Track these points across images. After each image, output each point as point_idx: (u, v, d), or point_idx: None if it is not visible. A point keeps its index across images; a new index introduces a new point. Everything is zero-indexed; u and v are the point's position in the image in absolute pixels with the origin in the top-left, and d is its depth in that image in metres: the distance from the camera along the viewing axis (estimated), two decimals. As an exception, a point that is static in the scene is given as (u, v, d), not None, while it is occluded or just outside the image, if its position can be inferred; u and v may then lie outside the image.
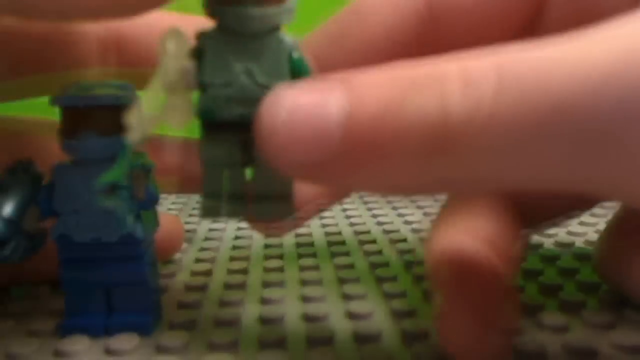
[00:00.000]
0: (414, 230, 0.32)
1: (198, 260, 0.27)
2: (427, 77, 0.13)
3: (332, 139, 0.14)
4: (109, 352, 0.18)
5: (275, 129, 0.14)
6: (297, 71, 0.17)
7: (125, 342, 0.19)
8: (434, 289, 0.18)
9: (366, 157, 0.14)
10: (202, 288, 0.24)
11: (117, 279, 0.19)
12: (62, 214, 0.18)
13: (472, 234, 0.18)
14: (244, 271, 0.26)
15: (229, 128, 0.17)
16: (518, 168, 0.13)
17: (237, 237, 0.31)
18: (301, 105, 0.14)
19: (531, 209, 0.22)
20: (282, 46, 0.17)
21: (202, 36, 0.17)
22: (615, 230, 0.22)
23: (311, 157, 0.14)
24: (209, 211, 0.18)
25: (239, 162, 0.18)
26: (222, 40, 0.16)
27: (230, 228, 0.33)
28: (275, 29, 0.17)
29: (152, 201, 0.20)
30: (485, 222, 0.19)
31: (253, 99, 0.16)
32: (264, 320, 0.21)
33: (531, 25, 0.19)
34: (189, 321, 0.20)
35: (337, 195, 0.21)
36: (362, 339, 0.19)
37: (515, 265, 0.19)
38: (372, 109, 0.13)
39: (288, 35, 0.17)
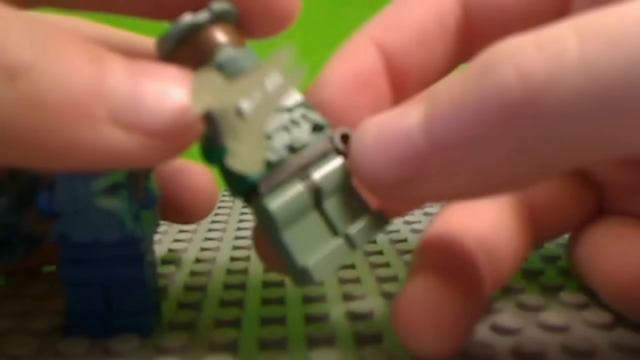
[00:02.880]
0: (414, 231, 0.32)
1: (198, 260, 0.27)
2: (499, 54, 0.13)
3: (416, 145, 0.14)
4: (109, 352, 0.18)
5: (366, 150, 0.15)
6: None
7: (125, 342, 0.19)
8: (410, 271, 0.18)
9: (452, 147, 0.14)
10: (202, 288, 0.24)
11: (117, 279, 0.19)
12: (62, 214, 0.18)
13: (465, 231, 0.19)
14: (244, 271, 0.26)
15: (284, 173, 0.16)
16: (613, 124, 0.12)
17: (237, 238, 0.31)
18: (385, 128, 0.15)
19: (547, 226, 0.22)
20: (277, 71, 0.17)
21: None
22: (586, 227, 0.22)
23: (402, 170, 0.14)
24: (319, 270, 0.16)
25: (313, 204, 0.17)
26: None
27: (230, 228, 0.33)
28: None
29: (152, 201, 0.20)
30: (487, 227, 0.19)
31: (290, 124, 0.16)
32: (264, 320, 0.20)
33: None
34: (189, 321, 0.20)
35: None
36: (363, 339, 0.19)
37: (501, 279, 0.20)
38: (448, 102, 0.14)
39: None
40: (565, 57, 0.12)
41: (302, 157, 0.16)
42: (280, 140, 0.16)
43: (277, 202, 0.16)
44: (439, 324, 0.15)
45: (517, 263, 0.20)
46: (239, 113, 0.14)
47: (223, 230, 0.33)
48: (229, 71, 0.16)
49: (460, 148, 0.13)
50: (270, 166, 0.16)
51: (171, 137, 0.14)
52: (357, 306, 0.21)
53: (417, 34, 0.19)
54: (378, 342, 0.19)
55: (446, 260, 0.17)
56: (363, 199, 0.17)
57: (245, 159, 0.15)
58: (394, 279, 0.24)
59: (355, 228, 0.17)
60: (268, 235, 0.16)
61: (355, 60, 0.19)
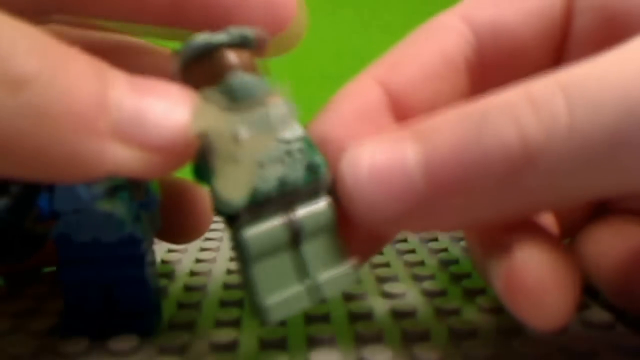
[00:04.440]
0: (414, 231, 0.32)
1: (198, 261, 0.27)
2: (496, 108, 0.14)
3: (415, 184, 0.15)
4: (109, 352, 0.18)
5: (360, 185, 0.15)
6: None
7: (125, 342, 0.19)
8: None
9: (451, 192, 0.15)
10: (202, 288, 0.24)
11: (117, 279, 0.19)
12: (62, 214, 0.18)
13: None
14: (244, 271, 0.26)
15: (269, 208, 0.16)
16: (600, 176, 0.14)
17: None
18: (379, 161, 0.15)
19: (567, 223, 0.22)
20: (285, 109, 0.16)
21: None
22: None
23: (399, 207, 0.15)
24: (276, 311, 0.16)
25: (290, 243, 0.16)
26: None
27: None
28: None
29: (153, 202, 0.20)
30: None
31: (286, 157, 0.16)
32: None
33: (562, 45, 0.20)
34: (189, 321, 0.20)
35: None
36: (362, 339, 0.19)
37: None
38: (448, 148, 0.15)
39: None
40: (558, 122, 0.14)
41: (291, 192, 0.16)
42: (273, 172, 0.16)
43: (253, 233, 0.16)
44: (566, 289, 0.15)
45: None
46: (235, 138, 0.15)
47: (223, 230, 0.33)
48: (236, 95, 0.16)
49: (458, 193, 0.15)
50: (257, 196, 0.16)
51: (171, 153, 0.14)
52: (357, 306, 0.21)
53: (422, 72, 0.19)
54: (378, 342, 0.19)
55: (532, 234, 0.17)
56: (342, 247, 0.17)
57: (232, 185, 0.15)
58: (394, 278, 0.24)
59: (325, 276, 0.17)
60: (239, 262, 0.16)
61: (358, 97, 0.19)
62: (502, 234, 0.17)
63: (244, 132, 0.15)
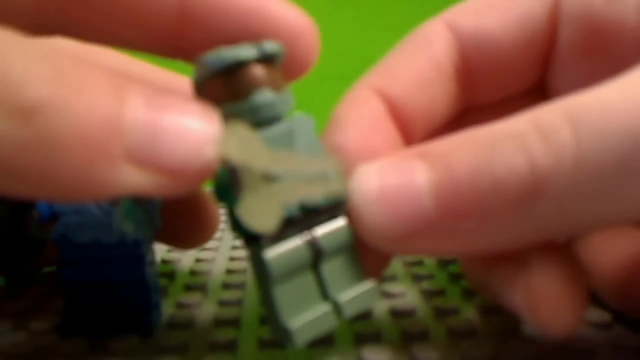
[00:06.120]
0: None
1: (198, 260, 0.27)
2: (505, 137, 0.15)
3: (425, 208, 0.15)
4: (109, 352, 0.18)
5: (370, 207, 0.16)
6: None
7: (125, 342, 0.19)
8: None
9: (461, 218, 0.15)
10: (202, 288, 0.24)
11: (117, 280, 0.19)
12: (62, 215, 0.19)
13: None
14: (244, 271, 0.26)
15: (289, 228, 0.16)
16: (608, 204, 0.14)
17: (236, 237, 0.31)
18: (389, 184, 0.15)
19: None
20: (305, 124, 0.16)
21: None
22: None
23: (408, 229, 0.15)
24: (301, 333, 0.15)
25: (310, 263, 0.16)
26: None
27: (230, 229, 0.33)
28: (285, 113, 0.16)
29: (152, 202, 0.20)
30: None
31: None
32: (264, 321, 0.21)
33: (549, 53, 0.20)
34: (189, 321, 0.20)
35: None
36: (362, 339, 0.19)
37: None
38: (460, 172, 0.15)
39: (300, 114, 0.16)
40: (566, 150, 0.14)
41: (311, 216, 0.16)
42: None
43: (275, 254, 0.15)
44: (580, 295, 0.16)
45: None
46: (267, 177, 0.14)
47: (223, 230, 0.33)
48: (262, 115, 0.15)
49: (468, 219, 0.15)
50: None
51: (186, 175, 0.14)
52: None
53: (415, 81, 0.19)
54: (378, 341, 0.19)
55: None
56: (361, 267, 0.17)
57: (258, 218, 0.14)
58: (392, 278, 0.24)
59: (346, 297, 0.16)
60: (259, 283, 0.16)
61: (363, 108, 0.19)
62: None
63: (277, 173, 0.15)
